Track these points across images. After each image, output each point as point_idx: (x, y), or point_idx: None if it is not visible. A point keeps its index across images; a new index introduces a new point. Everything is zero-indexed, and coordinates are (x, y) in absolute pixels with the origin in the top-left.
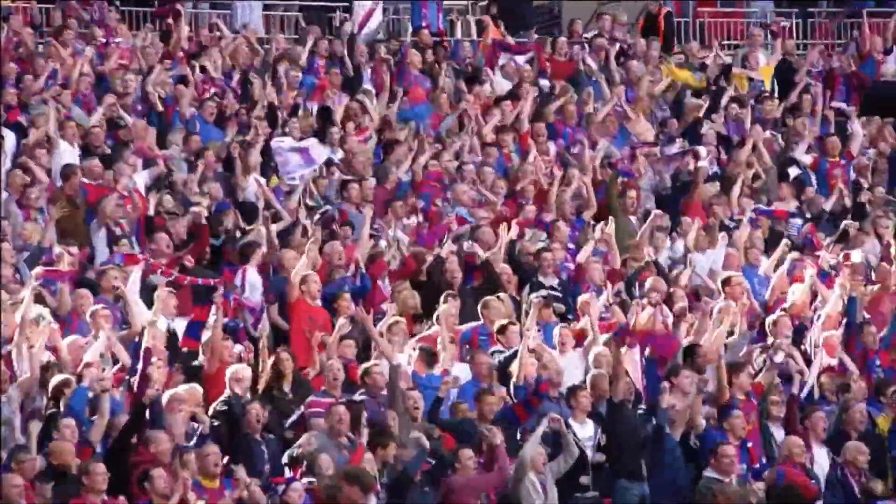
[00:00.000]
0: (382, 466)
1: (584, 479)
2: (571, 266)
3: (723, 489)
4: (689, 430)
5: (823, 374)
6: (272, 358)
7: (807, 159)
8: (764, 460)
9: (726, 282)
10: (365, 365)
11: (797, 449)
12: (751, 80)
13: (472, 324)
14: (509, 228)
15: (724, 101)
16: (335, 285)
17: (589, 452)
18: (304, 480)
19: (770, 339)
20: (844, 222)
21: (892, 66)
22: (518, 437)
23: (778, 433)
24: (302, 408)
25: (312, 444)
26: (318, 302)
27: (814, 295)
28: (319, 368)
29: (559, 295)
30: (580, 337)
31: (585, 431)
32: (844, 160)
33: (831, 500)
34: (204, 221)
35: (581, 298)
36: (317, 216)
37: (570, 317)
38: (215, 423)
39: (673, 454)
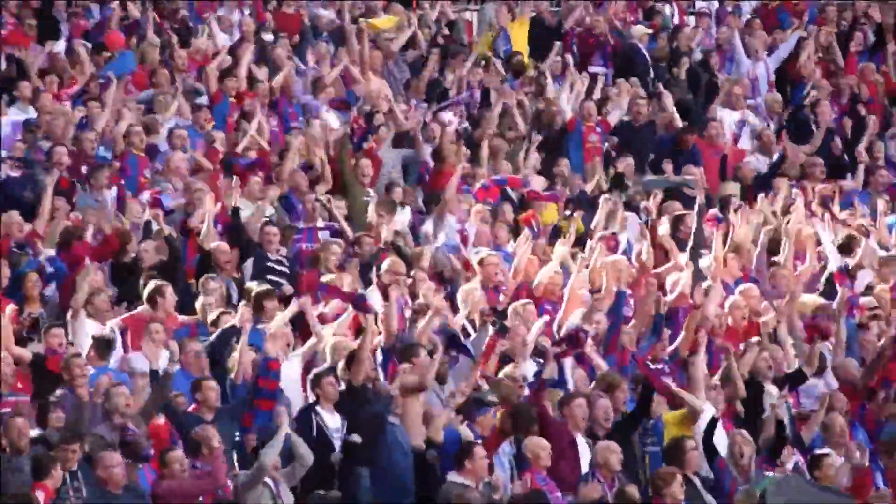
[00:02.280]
0: None
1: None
2: (304, 245)
3: (466, 496)
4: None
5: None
6: None
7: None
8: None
9: (481, 261)
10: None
11: (543, 452)
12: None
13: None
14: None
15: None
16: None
17: (337, 444)
18: None
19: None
20: (603, 197)
21: (640, 29)
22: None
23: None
24: None
25: None
26: None
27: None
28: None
29: (285, 271)
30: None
31: (335, 422)
32: (601, 128)
33: None
34: None
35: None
36: None
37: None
38: None
39: (396, 443)
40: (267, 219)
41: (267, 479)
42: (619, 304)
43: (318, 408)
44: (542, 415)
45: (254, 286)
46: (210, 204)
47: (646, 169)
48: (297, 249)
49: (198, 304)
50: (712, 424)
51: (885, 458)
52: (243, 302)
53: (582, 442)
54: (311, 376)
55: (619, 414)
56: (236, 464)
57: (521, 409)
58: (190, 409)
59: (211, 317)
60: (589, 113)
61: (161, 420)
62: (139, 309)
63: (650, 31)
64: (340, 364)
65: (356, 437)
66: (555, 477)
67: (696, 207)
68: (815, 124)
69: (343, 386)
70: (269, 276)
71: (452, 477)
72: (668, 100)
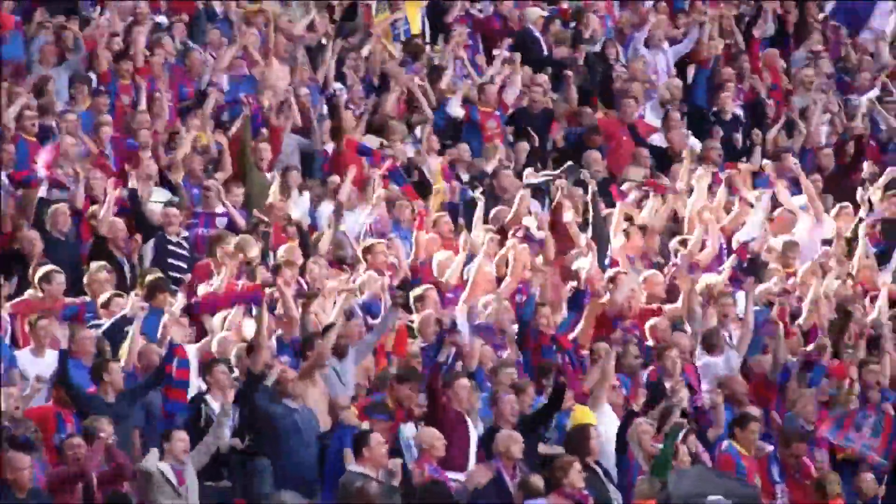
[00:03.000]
0: None
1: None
2: (201, 231)
3: (366, 487)
4: None
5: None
6: None
7: (459, 111)
8: None
9: (367, 249)
10: None
11: (437, 443)
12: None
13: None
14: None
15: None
16: None
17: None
18: None
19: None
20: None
21: (535, 12)
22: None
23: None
24: None
25: None
26: None
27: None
28: None
29: (185, 254)
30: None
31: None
32: (500, 111)
33: (483, 496)
34: None
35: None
36: None
37: None
38: None
39: (296, 431)
40: (167, 201)
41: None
42: (528, 302)
43: (207, 396)
44: (433, 396)
45: (148, 273)
46: (107, 188)
47: (546, 156)
48: (193, 235)
49: (86, 280)
50: (630, 416)
51: (782, 448)
52: (136, 291)
53: (471, 425)
54: (202, 364)
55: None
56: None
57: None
58: (90, 390)
59: (102, 299)
60: (487, 99)
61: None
62: (27, 294)
63: (546, 14)
64: (237, 353)
65: (237, 442)
66: (445, 459)
67: (590, 193)
68: (717, 110)
69: (237, 374)
70: (170, 260)
71: (352, 466)
72: (572, 89)
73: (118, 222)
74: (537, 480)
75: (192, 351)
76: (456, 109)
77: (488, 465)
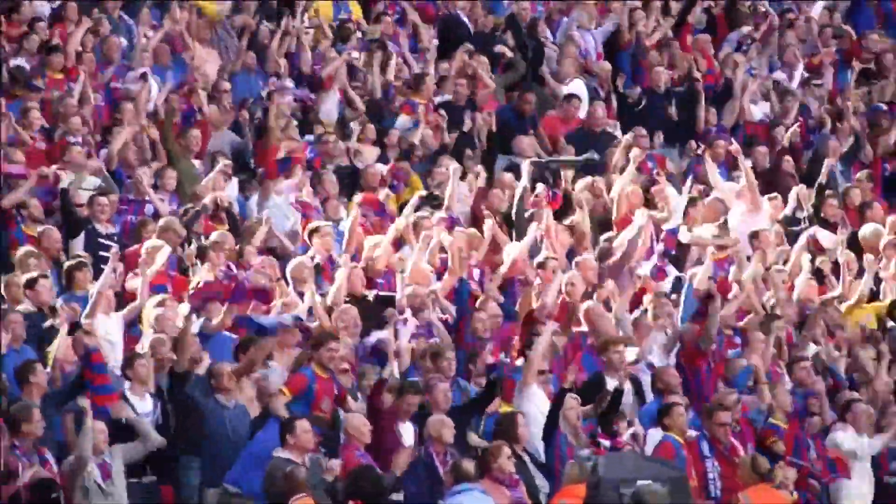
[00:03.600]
0: None
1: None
2: (130, 218)
3: (294, 472)
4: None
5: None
6: None
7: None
8: None
9: (314, 231)
10: None
11: (364, 428)
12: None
13: None
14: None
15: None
16: None
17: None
18: None
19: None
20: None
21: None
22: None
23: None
24: None
25: None
26: None
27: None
28: None
29: (112, 245)
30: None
31: (144, 406)
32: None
33: (413, 481)
34: None
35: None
36: None
37: None
38: None
39: (224, 428)
40: (95, 190)
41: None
42: (462, 292)
43: (126, 391)
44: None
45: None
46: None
47: (475, 144)
48: (122, 222)
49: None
50: (562, 394)
51: (706, 420)
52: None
53: (407, 428)
54: (123, 358)
55: None
56: None
57: None
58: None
59: (25, 279)
60: (420, 89)
61: None
62: None
63: None
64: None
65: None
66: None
67: (523, 180)
68: (649, 95)
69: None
70: (101, 252)
71: (278, 452)
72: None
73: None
74: (468, 465)
75: (116, 318)
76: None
77: (413, 452)
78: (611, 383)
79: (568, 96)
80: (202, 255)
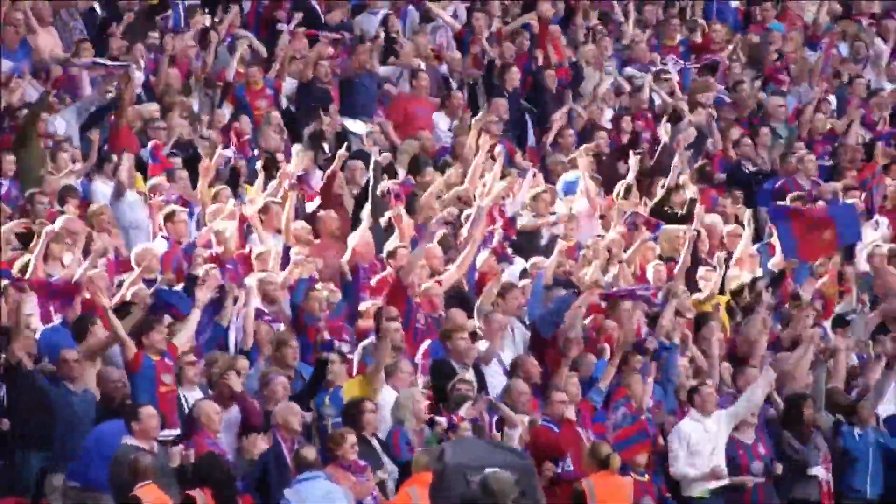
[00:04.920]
0: None
1: None
2: None
3: (139, 459)
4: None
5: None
6: None
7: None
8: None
9: (168, 216)
10: None
11: (215, 416)
12: None
13: None
14: None
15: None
16: None
17: None
18: None
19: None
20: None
21: None
22: None
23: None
24: None
25: None
26: None
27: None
28: None
29: None
30: None
31: None
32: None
33: (261, 469)
34: None
35: None
36: None
37: None
38: None
39: (73, 418)
40: None
41: None
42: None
43: None
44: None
45: None
46: None
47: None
48: None
49: None
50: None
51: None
52: None
53: None
54: None
55: None
56: None
57: None
58: None
59: None
60: (255, 78)
61: None
62: None
63: None
64: None
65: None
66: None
67: (372, 165)
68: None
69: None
70: None
71: (126, 440)
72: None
73: None
74: (310, 452)
75: None
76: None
77: (265, 437)
78: (460, 371)
79: (413, 72)
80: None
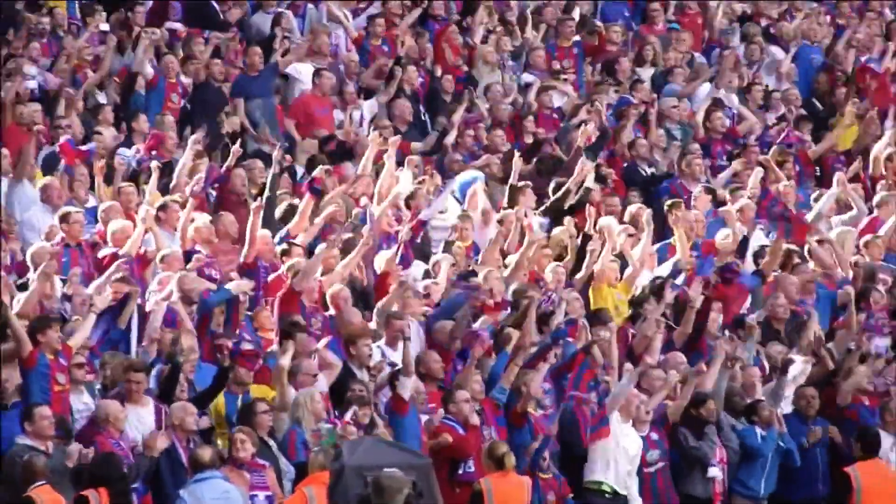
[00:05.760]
0: None
1: None
2: None
3: (32, 460)
4: None
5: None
6: None
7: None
8: None
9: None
10: None
11: (121, 415)
12: None
13: None
14: None
15: None
16: None
17: None
18: None
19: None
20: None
21: None
22: None
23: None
24: None
25: None
26: None
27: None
28: None
29: None
30: None
31: None
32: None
33: (158, 469)
34: None
35: None
36: None
37: None
38: None
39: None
40: None
41: None
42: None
43: None
44: None
45: None
46: None
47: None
48: None
49: None
50: None
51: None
52: None
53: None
54: None
55: None
56: None
57: None
58: None
59: None
60: (169, 70)
61: None
62: None
63: None
64: None
65: None
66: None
67: (273, 166)
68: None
69: None
70: None
71: (20, 439)
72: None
73: None
74: (205, 452)
75: None
76: (147, 69)
77: (165, 435)
78: (360, 374)
79: (317, 71)
80: None
